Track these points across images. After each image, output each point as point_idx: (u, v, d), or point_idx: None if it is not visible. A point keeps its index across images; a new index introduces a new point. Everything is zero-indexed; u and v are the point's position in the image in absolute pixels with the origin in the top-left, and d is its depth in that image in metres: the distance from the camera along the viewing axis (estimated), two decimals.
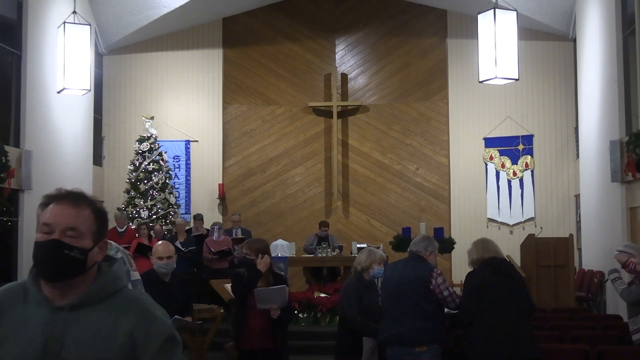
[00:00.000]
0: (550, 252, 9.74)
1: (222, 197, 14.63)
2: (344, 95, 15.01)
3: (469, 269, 5.35)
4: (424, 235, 5.64)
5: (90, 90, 11.96)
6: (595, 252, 11.34)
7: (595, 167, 11.26)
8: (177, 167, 14.53)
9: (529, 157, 13.98)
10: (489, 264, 5.12)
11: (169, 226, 12.96)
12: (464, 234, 13.34)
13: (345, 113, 14.93)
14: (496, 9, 10.21)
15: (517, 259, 10.34)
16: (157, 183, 13.49)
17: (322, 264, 11.67)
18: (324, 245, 11.80)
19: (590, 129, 11.60)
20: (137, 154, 13.67)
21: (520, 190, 14.00)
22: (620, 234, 9.93)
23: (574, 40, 13.29)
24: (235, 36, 15.07)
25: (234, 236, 11.80)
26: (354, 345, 5.50)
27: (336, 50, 15.14)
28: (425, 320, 5.02)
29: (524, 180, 14.00)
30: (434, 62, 14.76)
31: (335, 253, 11.76)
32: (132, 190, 13.48)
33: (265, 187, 14.90)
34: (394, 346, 5.10)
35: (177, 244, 11.04)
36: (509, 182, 14.07)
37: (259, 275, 5.20)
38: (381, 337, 5.23)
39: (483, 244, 5.26)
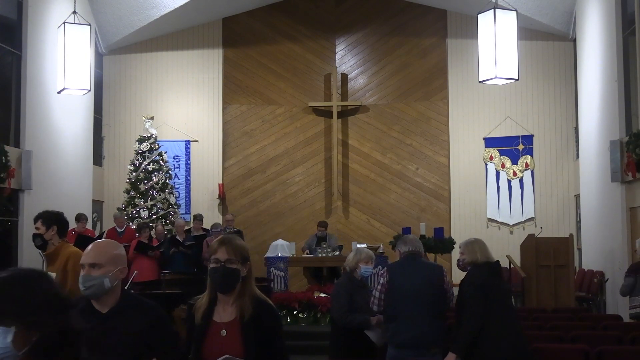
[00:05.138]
0: (550, 252, 9.74)
1: (222, 197, 14.62)
2: (344, 95, 15.00)
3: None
4: (414, 236, 5.74)
5: (90, 90, 11.96)
6: (595, 252, 11.34)
7: (595, 167, 11.26)
8: (177, 167, 14.53)
9: (529, 157, 13.97)
10: (486, 265, 5.12)
11: (169, 226, 12.95)
12: (464, 234, 13.31)
13: (345, 113, 14.93)
14: (496, 9, 10.22)
15: (517, 259, 10.35)
16: (157, 183, 13.48)
17: (322, 264, 11.66)
18: (324, 245, 11.80)
19: (590, 129, 11.59)
20: (137, 154, 13.66)
21: (520, 190, 13.99)
22: (620, 234, 9.94)
23: (574, 40, 13.28)
24: (235, 36, 15.06)
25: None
26: (347, 345, 5.44)
27: (336, 50, 15.13)
28: (441, 320, 5.10)
29: (524, 180, 13.99)
30: (434, 62, 14.75)
31: (336, 253, 11.74)
32: (132, 190, 13.47)
33: (265, 187, 14.89)
34: (409, 349, 5.07)
35: (177, 239, 11.00)
36: (509, 182, 14.06)
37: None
38: (398, 340, 5.14)
39: (484, 246, 5.24)
